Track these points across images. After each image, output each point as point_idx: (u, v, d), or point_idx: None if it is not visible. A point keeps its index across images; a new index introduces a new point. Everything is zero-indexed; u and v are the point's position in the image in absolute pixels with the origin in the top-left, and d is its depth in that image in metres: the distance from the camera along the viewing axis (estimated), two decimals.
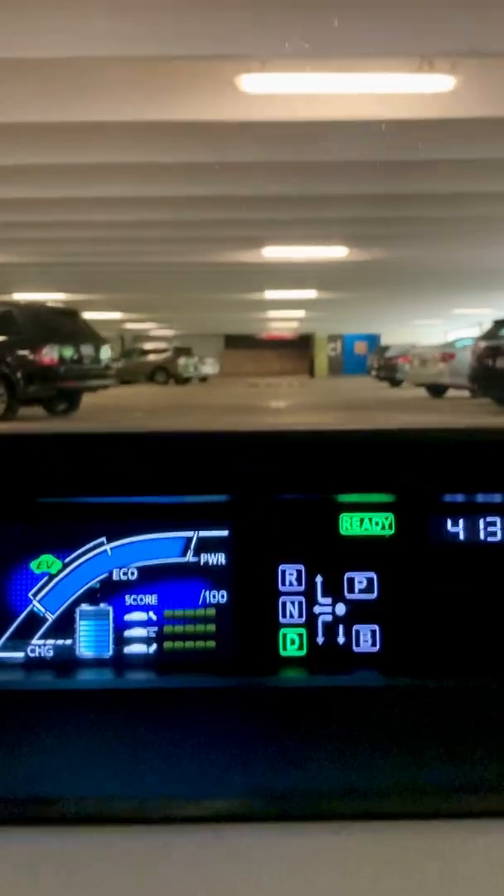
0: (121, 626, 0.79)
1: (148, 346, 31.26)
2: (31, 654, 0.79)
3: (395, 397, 17.84)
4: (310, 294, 19.75)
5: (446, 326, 33.06)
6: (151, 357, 29.28)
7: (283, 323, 32.96)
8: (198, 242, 13.27)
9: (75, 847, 0.65)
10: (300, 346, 40.13)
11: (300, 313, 27.28)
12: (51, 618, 0.79)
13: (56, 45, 5.42)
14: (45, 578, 0.79)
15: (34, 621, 0.79)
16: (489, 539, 0.79)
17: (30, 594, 0.79)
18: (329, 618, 0.80)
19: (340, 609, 0.79)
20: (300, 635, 0.79)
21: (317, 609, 0.80)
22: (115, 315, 28.37)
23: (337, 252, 13.99)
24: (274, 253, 13.86)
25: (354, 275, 17.09)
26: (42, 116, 6.76)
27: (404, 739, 0.71)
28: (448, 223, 11.78)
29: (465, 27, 5.17)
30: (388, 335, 34.27)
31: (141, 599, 0.79)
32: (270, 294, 20.58)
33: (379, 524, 0.80)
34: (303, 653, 0.79)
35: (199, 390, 23.88)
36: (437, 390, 16.55)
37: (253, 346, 40.64)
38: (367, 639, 0.79)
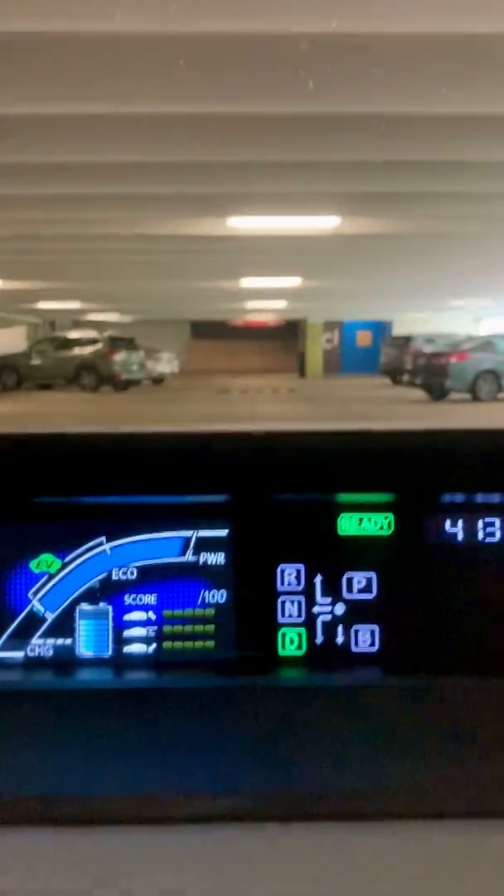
0: (120, 625, 1.03)
1: (73, 334, 27.27)
2: (31, 654, 1.03)
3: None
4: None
5: (479, 313, 32.29)
6: (76, 350, 25.57)
7: (266, 302, 29.54)
8: None
9: (74, 846, 0.84)
10: (287, 336, 38.90)
11: (294, 280, 23.05)
12: (50, 617, 1.03)
13: None
14: (45, 578, 1.03)
15: (34, 621, 1.03)
16: (487, 539, 1.04)
17: (29, 594, 1.03)
18: (328, 617, 1.04)
19: (339, 609, 1.04)
20: (299, 635, 1.03)
21: (316, 609, 1.04)
22: (17, 285, 21.35)
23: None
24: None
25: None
26: None
27: (403, 738, 0.92)
28: None
29: None
30: (401, 324, 32.95)
31: (140, 599, 1.03)
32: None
33: (378, 524, 1.04)
34: (302, 652, 1.03)
35: (134, 403, 20.58)
36: None
37: (227, 336, 39.52)
38: (365, 638, 1.03)
